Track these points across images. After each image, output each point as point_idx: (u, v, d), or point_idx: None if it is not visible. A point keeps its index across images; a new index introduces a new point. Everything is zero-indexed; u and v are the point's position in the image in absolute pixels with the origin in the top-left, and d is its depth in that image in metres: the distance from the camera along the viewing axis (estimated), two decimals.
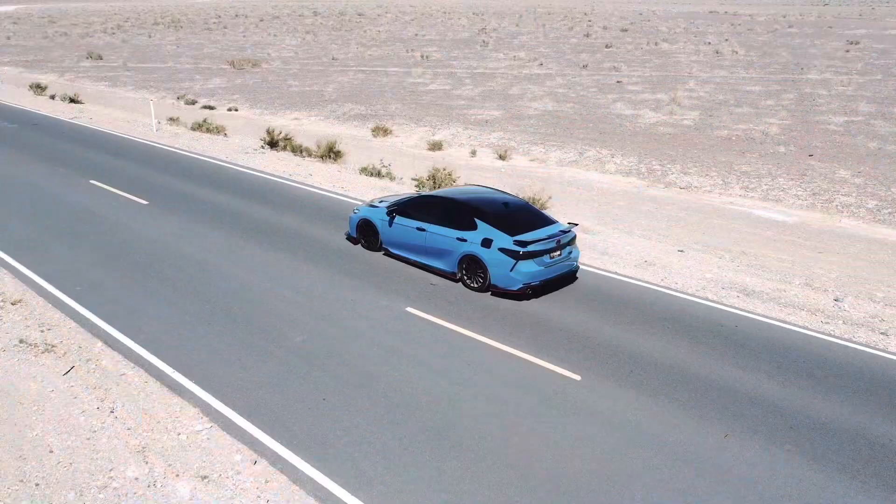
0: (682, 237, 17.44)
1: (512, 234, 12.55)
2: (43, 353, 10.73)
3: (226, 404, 9.36)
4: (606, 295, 13.03)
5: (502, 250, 12.41)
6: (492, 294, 12.88)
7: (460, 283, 13.30)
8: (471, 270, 13.00)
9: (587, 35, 79.83)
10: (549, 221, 13.32)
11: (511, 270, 12.35)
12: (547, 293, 12.99)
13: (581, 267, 14.22)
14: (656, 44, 69.80)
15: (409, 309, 12.29)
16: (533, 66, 53.41)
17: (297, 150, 25.01)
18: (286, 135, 26.11)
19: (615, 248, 15.82)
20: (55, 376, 10.09)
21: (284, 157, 24.57)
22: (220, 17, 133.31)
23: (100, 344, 10.99)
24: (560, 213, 16.99)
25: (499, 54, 62.11)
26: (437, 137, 28.97)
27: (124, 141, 26.39)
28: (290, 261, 14.41)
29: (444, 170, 20.30)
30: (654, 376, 10.17)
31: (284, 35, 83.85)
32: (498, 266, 12.48)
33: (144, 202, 18.52)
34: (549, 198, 18.47)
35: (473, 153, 26.28)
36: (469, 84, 44.75)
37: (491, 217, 12.92)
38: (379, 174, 21.86)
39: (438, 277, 13.70)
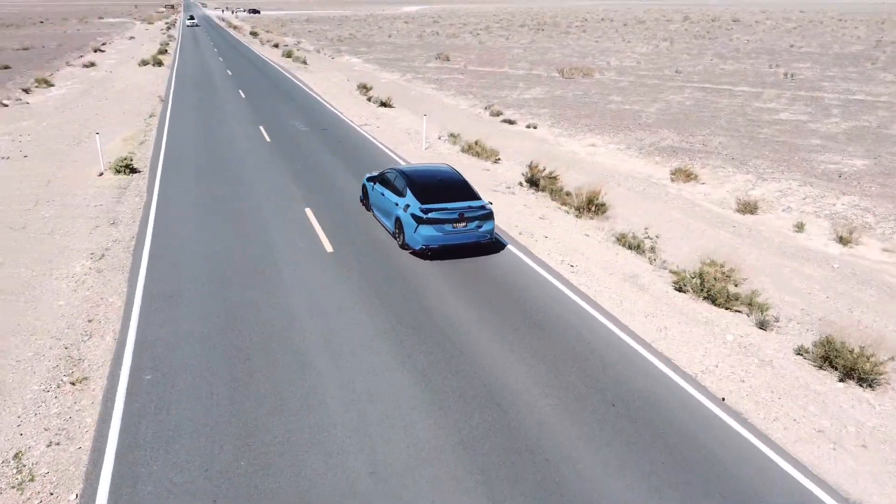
0: None
1: (423, 203, 14.64)
2: None
3: None
4: None
5: (412, 215, 14.63)
6: (406, 250, 15.19)
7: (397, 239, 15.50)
8: (398, 229, 15.36)
9: None
10: (470, 198, 15.09)
11: (414, 232, 14.59)
12: (458, 258, 14.82)
13: None
14: None
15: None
16: None
17: (557, 194, 20.02)
18: (550, 173, 21.25)
19: None
20: None
21: (535, 201, 19.80)
22: (586, 20, 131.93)
23: None
24: None
25: (887, 75, 48.39)
26: (756, 192, 21.36)
27: (382, 158, 24.22)
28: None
29: (726, 268, 13.60)
30: None
31: (638, 42, 78.05)
32: (408, 227, 14.79)
33: (329, 249, 15.50)
34: None
35: (800, 227, 18.37)
36: (836, 115, 34.45)
37: (418, 188, 15.12)
38: (638, 248, 15.87)
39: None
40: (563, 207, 19.12)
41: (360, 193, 18.77)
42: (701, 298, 13.18)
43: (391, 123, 31.37)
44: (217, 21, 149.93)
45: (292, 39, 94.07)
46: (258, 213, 17.99)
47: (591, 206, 18.46)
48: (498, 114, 35.69)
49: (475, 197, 15.30)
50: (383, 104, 36.68)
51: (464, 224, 14.68)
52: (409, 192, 15.15)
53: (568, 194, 19.63)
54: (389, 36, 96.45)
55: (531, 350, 11.14)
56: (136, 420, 9.38)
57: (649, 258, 15.37)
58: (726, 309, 12.86)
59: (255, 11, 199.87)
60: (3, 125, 34.49)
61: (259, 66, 55.80)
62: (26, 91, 47.58)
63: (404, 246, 15.19)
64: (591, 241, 16.48)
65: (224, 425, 9.24)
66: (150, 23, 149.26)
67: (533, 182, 21.12)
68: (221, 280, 13.79)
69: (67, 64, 66.21)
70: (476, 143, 25.51)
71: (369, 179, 17.97)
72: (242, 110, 34.74)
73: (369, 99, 38.50)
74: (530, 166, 21.62)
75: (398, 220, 15.29)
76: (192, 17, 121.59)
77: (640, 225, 17.74)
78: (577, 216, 18.46)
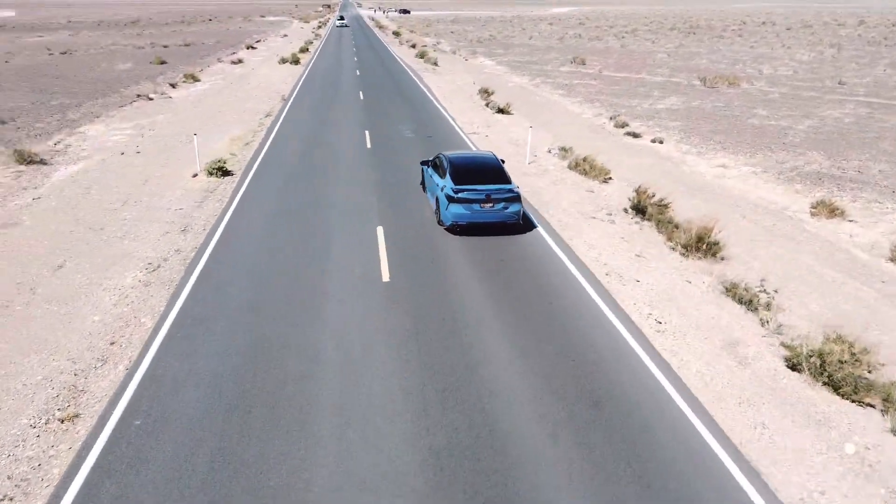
0: None
1: (457, 184, 16.21)
2: None
3: None
4: None
5: (446, 195, 16.21)
6: (441, 226, 16.84)
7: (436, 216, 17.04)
8: (437, 207, 17.05)
9: None
10: (501, 182, 16.45)
11: (446, 209, 16.20)
12: (483, 235, 16.25)
13: None
14: None
15: None
16: None
17: (663, 226, 17.35)
18: (661, 200, 18.55)
19: None
20: None
21: (636, 233, 17.22)
22: (744, 23, 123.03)
23: None
24: None
25: None
26: None
27: None
28: None
29: (858, 346, 10.62)
30: None
31: (800, 48, 70.94)
32: (442, 206, 16.42)
33: (386, 278, 13.97)
34: None
35: None
36: None
37: (455, 171, 16.66)
38: (749, 304, 13.06)
39: None
40: (669, 243, 16.44)
41: (420, 178, 20.43)
42: (819, 384, 10.35)
43: (502, 132, 29.49)
44: (367, 21, 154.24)
45: (432, 40, 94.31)
46: (326, 230, 16.80)
47: (701, 245, 15.68)
48: (623, 125, 32.80)
49: (506, 181, 16.66)
50: (500, 111, 34.85)
51: (490, 205, 16.07)
52: (447, 175, 16.73)
53: (676, 227, 16.92)
54: (530, 38, 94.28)
55: (577, 442, 8.94)
56: (101, 479, 8.25)
57: (761, 319, 12.53)
58: (852, 402, 9.97)
59: (406, 11, 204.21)
60: (141, 118, 36.10)
61: (389, 67, 55.73)
62: (173, 86, 50.14)
63: (440, 222, 16.86)
64: (693, 290, 13.81)
65: (190, 499, 7.90)
66: (307, 21, 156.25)
67: (639, 209, 18.54)
68: (258, 308, 12.62)
69: (219, 60, 69.76)
70: (585, 159, 23.08)
71: (423, 163, 19.60)
72: (356, 112, 34.20)
73: (487, 104, 36.81)
74: (638, 190, 19.02)
75: (437, 199, 17.01)
76: (341, 18, 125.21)
77: (760, 272, 14.78)
78: (682, 255, 15.76)
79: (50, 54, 74.92)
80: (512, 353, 11.07)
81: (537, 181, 21.56)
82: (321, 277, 14.00)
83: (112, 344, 11.55)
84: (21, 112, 37.46)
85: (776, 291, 13.71)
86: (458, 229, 16.39)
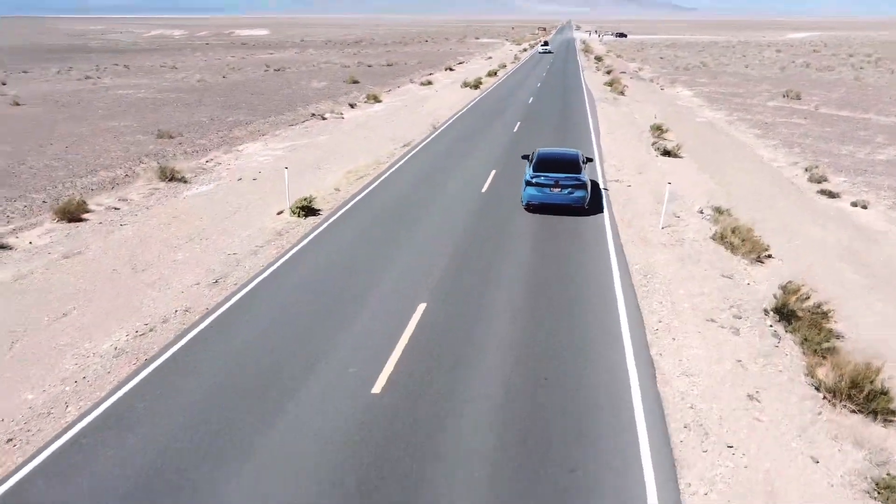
0: None
1: (534, 172, 19.87)
2: None
3: None
4: None
5: (525, 180, 20.05)
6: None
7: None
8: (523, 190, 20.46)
9: None
10: (573, 171, 19.85)
11: (524, 191, 20.05)
12: (548, 214, 19.82)
13: None
14: None
15: None
16: None
17: (812, 346, 12.12)
18: (819, 305, 13.19)
19: None
20: None
21: (768, 354, 12.14)
22: None
23: None
24: None
25: None
26: None
27: (586, 237, 18.17)
28: None
29: None
30: None
31: None
32: (522, 188, 20.27)
33: (377, 388, 10.66)
34: None
35: None
36: None
37: (536, 161, 20.37)
38: None
39: None
40: (809, 379, 11.29)
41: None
42: None
43: (653, 181, 24.65)
44: (577, 44, 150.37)
45: (636, 65, 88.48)
46: (364, 307, 13.78)
47: (857, 393, 10.45)
48: (820, 180, 26.30)
49: (577, 172, 19.90)
50: (667, 153, 29.79)
51: (559, 189, 19.57)
52: (530, 165, 20.54)
53: (829, 353, 11.68)
54: (746, 66, 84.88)
55: None
56: None
57: None
58: None
59: (622, 35, 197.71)
60: (302, 139, 36.16)
61: (567, 96, 51.84)
62: (352, 106, 50.68)
63: (522, 200, 20.32)
64: (816, 480, 8.86)
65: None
66: (518, 44, 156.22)
67: (784, 314, 13.36)
68: (220, 419, 9.95)
69: (410, 81, 70.55)
70: (736, 229, 17.87)
71: (523, 157, 23.39)
72: (498, 146, 31.08)
73: (653, 144, 31.80)
74: (786, 288, 13.80)
75: (524, 183, 20.29)
76: (545, 44, 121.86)
77: None
78: (829, 402, 10.62)
79: (265, 71, 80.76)
80: None
81: (658, 255, 16.86)
82: (313, 371, 11.05)
83: (10, 441, 9.50)
84: (196, 127, 39.24)
85: None
86: (531, 208, 20.15)
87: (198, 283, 15.11)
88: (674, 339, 12.45)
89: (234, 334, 12.47)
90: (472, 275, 15.30)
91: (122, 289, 14.86)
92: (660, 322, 13.11)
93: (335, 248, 17.27)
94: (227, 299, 14.09)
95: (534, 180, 19.64)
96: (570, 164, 20.10)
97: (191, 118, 42.40)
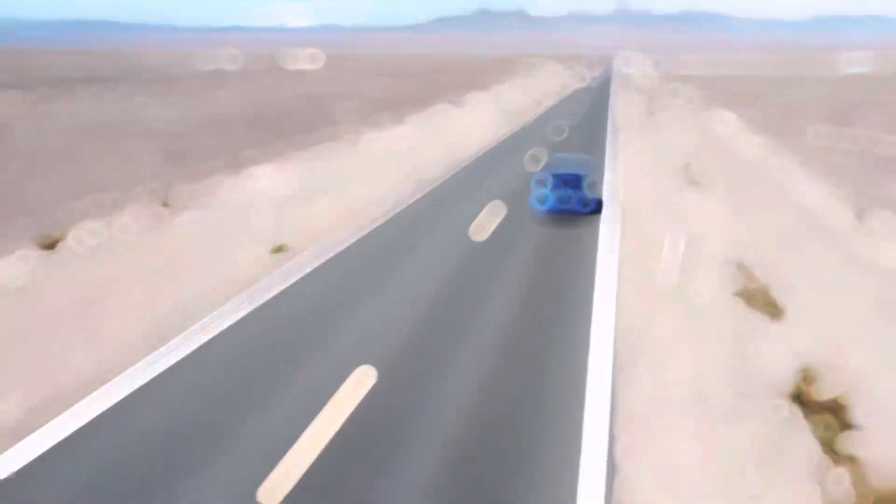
0: None
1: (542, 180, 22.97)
2: None
3: None
4: None
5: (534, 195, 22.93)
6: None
7: None
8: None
9: None
10: (576, 188, 22.50)
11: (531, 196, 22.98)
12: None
13: None
14: None
15: None
16: None
17: (831, 444, 9.76)
18: (836, 399, 10.78)
19: None
20: None
21: (783, 453, 9.78)
22: None
23: None
24: None
25: None
26: None
27: (575, 307, 15.99)
28: None
29: None
30: None
31: None
32: (532, 197, 22.95)
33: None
34: None
35: None
36: None
37: (544, 175, 23.13)
38: None
39: None
40: (821, 488, 8.90)
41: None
42: None
43: (665, 219, 22.36)
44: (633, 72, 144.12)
45: (695, 93, 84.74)
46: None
47: None
48: (860, 216, 23.47)
49: (580, 189, 22.44)
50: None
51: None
52: (538, 178, 23.25)
53: (850, 461, 9.29)
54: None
55: None
56: None
57: None
58: None
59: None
60: (317, 161, 35.34)
61: (593, 131, 49.58)
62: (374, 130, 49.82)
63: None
64: None
65: None
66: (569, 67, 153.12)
67: (804, 402, 10.98)
68: None
69: (448, 102, 70.16)
70: (758, 291, 15.40)
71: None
72: (506, 189, 29.18)
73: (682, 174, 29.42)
74: (807, 373, 11.40)
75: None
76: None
77: None
78: None
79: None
80: None
81: (654, 331, 14.37)
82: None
83: None
84: (206, 149, 38.51)
85: None
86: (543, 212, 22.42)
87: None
88: (657, 435, 10.20)
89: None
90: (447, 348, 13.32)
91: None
92: (640, 414, 10.85)
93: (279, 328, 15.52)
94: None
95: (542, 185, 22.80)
96: (578, 174, 23.02)
97: (206, 141, 41.47)
